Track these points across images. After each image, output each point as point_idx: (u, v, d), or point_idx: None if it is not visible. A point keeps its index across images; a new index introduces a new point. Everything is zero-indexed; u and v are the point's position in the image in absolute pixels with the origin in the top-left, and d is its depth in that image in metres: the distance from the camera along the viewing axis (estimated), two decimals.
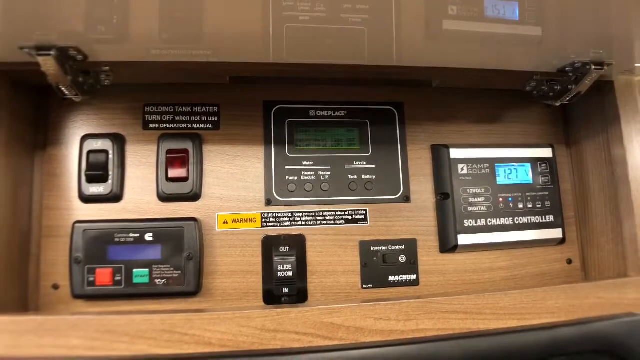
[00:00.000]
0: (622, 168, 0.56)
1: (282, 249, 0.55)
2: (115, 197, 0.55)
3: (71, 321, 0.44)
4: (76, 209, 0.55)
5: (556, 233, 0.60)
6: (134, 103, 0.58)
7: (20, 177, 0.53)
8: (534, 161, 0.61)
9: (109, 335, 0.44)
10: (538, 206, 0.60)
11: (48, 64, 0.42)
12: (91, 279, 0.52)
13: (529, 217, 0.60)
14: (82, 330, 0.44)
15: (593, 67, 0.49)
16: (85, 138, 0.56)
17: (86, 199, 0.55)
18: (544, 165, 0.61)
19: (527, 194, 0.60)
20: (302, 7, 0.43)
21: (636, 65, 0.55)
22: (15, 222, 0.51)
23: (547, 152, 0.62)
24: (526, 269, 0.61)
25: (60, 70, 0.43)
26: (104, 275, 0.52)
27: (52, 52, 0.41)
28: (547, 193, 0.61)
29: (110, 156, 0.55)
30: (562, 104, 0.56)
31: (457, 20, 0.48)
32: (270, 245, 0.56)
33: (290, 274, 0.54)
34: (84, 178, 0.55)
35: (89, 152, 0.55)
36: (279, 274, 0.54)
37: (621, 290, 0.53)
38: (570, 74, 0.52)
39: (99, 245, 0.53)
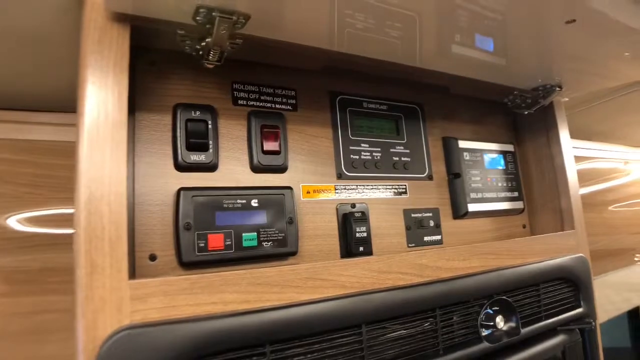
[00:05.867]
0: (559, 159, 0.84)
1: (356, 214, 0.65)
2: (214, 166, 0.57)
3: (224, 277, 0.46)
4: (171, 177, 0.55)
5: (520, 204, 0.85)
6: (221, 79, 0.60)
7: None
8: (504, 153, 0.86)
9: (260, 287, 0.48)
10: (509, 185, 0.84)
11: (223, 26, 0.45)
12: (202, 244, 0.53)
13: (505, 193, 0.83)
14: (236, 284, 0.47)
15: (557, 88, 0.75)
16: (179, 107, 0.56)
17: (184, 167, 0.55)
18: (510, 156, 0.86)
19: (502, 175, 0.84)
20: (358, 16, 0.56)
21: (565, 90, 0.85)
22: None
23: (511, 147, 0.87)
24: (501, 231, 0.84)
25: (228, 35, 0.46)
26: (216, 240, 0.53)
27: (232, 17, 0.45)
28: (512, 176, 0.86)
29: (210, 126, 0.57)
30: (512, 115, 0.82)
31: (460, 46, 0.67)
32: (344, 212, 0.65)
33: (365, 234, 0.65)
34: (182, 145, 0.55)
35: (188, 120, 0.55)
36: (357, 234, 0.64)
37: (569, 239, 0.79)
38: (540, 92, 0.77)
39: (207, 211, 0.54)
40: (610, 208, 1.57)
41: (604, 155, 1.60)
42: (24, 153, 0.70)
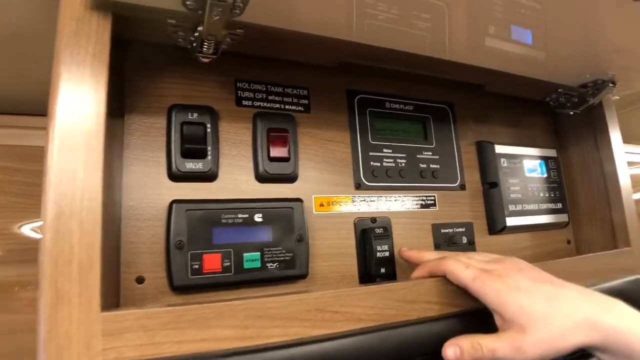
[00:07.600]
0: (610, 166, 0.73)
1: (377, 230, 0.57)
2: (213, 175, 0.50)
3: (217, 309, 0.39)
4: (164, 187, 0.48)
5: (564, 217, 0.75)
6: (223, 76, 0.53)
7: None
8: (545, 159, 0.75)
9: (260, 320, 0.40)
10: (551, 195, 0.74)
11: (216, 12, 0.38)
12: (196, 266, 0.46)
13: (547, 204, 0.73)
14: (231, 318, 0.39)
15: (610, 84, 0.65)
16: (174, 108, 0.49)
17: (179, 176, 0.48)
18: (552, 162, 0.76)
19: (544, 185, 0.74)
20: (380, 7, 0.48)
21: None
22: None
23: (553, 153, 0.77)
24: (542, 248, 0.74)
25: (223, 22, 0.39)
26: (212, 261, 0.46)
27: (227, 0, 0.38)
28: (556, 185, 0.75)
29: (209, 130, 0.50)
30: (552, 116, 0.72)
31: (494, 38, 0.58)
32: (362, 227, 0.57)
33: (387, 254, 0.56)
34: (177, 152, 0.48)
35: (183, 123, 0.49)
36: (378, 254, 0.56)
37: (624, 258, 0.69)
38: (589, 89, 0.67)
39: (203, 227, 0.47)
40: None
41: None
42: (16, 160, 0.65)
